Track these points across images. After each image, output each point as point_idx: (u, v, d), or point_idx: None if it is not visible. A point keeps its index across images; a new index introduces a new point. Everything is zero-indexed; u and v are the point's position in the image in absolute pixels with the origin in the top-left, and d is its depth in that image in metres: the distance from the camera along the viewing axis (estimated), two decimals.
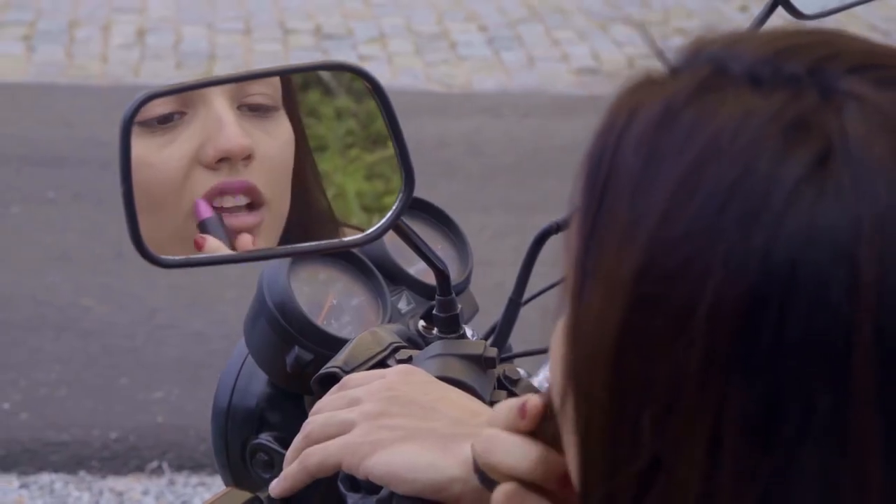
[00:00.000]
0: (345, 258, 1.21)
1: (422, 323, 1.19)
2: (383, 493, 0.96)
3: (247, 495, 1.18)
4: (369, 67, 1.17)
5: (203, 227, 1.11)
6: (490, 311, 1.26)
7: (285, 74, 1.14)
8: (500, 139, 4.91)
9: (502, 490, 0.78)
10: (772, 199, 0.59)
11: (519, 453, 0.78)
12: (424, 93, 5.41)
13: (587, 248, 0.63)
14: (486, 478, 0.82)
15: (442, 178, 4.45)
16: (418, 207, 1.26)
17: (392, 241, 1.20)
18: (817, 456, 0.58)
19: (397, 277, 1.24)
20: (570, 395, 0.64)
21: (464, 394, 1.00)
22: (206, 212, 1.11)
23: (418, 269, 1.24)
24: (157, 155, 1.10)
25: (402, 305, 1.23)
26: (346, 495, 1.01)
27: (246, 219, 1.12)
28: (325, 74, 1.13)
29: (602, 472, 0.62)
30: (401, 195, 1.05)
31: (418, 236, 1.13)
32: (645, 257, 0.60)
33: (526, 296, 1.20)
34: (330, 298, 1.20)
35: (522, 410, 0.78)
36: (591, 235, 0.63)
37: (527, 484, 0.77)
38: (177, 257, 1.05)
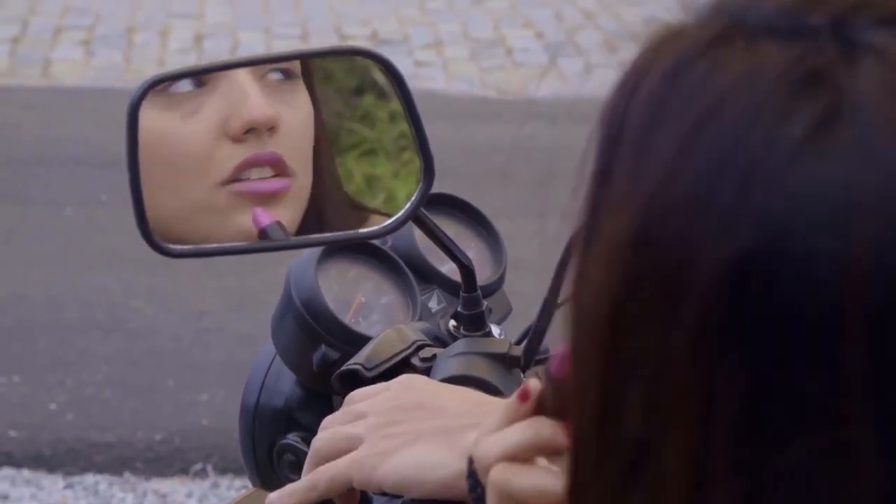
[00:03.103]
0: (375, 256, 1.19)
1: (452, 322, 1.16)
2: (405, 499, 0.94)
3: None
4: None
5: (263, 235, 1.09)
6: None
7: (298, 59, 1.12)
8: (555, 146, 4.88)
9: (497, 470, 0.76)
10: (769, 162, 0.53)
11: (513, 439, 0.76)
12: (479, 99, 5.39)
13: (593, 216, 0.58)
14: (476, 482, 0.80)
15: (495, 183, 4.43)
16: (453, 205, 1.24)
17: (424, 240, 1.18)
18: (809, 444, 0.53)
19: (428, 276, 1.22)
20: (570, 376, 0.60)
21: (470, 389, 0.98)
22: (264, 219, 1.09)
23: (450, 268, 1.22)
24: (180, 128, 1.09)
25: (433, 305, 1.20)
26: (373, 497, 0.99)
27: (273, 184, 1.10)
28: (379, 77, 1.10)
29: (592, 460, 0.58)
30: (420, 185, 1.03)
31: (441, 230, 1.10)
32: (641, 223, 0.56)
33: (563, 297, 1.17)
34: (359, 296, 1.18)
35: (523, 394, 0.76)
36: (597, 201, 0.58)
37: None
38: (186, 246, 1.03)
